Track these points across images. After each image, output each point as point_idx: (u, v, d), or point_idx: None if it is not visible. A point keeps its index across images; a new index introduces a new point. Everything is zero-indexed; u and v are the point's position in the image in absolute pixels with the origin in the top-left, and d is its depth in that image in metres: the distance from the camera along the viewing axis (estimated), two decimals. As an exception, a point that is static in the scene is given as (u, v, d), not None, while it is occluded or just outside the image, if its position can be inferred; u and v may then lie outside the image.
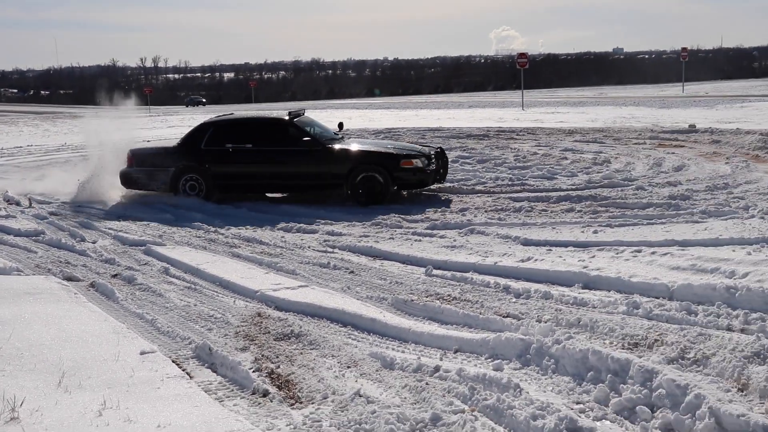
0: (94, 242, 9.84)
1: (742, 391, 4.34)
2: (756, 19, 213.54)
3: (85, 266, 8.58)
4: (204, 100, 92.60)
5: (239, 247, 9.30)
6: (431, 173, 12.41)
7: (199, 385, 4.86)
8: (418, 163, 12.17)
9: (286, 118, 12.89)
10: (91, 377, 4.91)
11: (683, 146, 18.31)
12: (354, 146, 12.95)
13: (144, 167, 13.03)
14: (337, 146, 12.67)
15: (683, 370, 4.66)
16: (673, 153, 16.90)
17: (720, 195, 11.18)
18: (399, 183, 12.20)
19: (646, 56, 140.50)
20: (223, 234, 10.09)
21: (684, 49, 54.82)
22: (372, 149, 12.87)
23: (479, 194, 12.57)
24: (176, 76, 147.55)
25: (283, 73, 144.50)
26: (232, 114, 14.45)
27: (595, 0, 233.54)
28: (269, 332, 6.02)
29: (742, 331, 5.34)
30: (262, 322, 6.27)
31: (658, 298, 6.27)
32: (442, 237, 9.36)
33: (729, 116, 25.89)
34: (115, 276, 8.08)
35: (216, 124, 13.29)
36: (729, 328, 5.41)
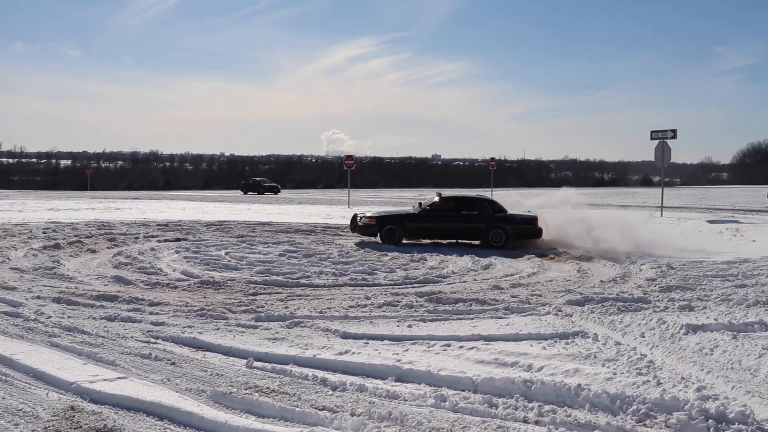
0: None
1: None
2: (553, 138, 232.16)
3: None
4: (277, 186, 68.28)
5: (59, 336, 8.57)
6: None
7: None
8: None
9: None
10: None
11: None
12: None
13: None
14: None
15: (483, 462, 4.68)
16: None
17: (522, 292, 11.69)
18: None
19: (461, 163, 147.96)
20: (42, 323, 9.27)
21: (492, 159, 57.88)
22: None
23: (303, 287, 12.45)
24: (10, 160, 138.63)
25: (121, 162, 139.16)
26: None
27: (418, 112, 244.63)
28: (81, 427, 5.51)
29: (536, 423, 5.47)
30: (74, 416, 5.73)
31: (464, 390, 6.34)
32: (266, 329, 9.10)
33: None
34: None
35: None
36: (525, 420, 5.54)
